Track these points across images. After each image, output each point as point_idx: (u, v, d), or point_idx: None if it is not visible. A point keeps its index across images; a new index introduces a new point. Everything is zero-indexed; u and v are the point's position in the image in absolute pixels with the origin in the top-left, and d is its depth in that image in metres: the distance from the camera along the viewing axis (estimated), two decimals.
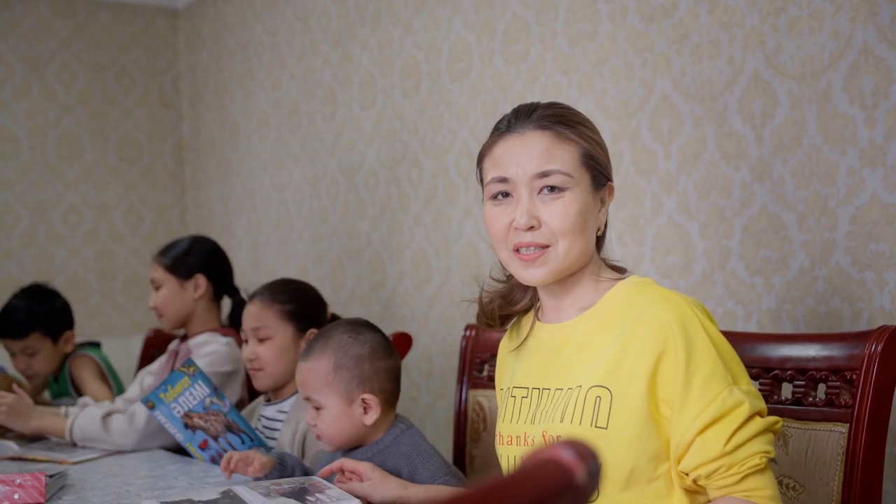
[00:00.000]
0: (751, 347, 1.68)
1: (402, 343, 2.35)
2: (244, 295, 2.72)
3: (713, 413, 1.30)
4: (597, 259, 1.51)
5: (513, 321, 1.64)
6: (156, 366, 2.77)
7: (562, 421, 1.39)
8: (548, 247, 1.42)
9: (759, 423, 1.32)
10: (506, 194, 1.45)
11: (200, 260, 2.70)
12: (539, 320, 1.56)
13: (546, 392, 1.46)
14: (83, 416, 2.37)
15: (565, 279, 1.48)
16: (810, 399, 1.59)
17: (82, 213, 4.93)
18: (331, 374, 1.77)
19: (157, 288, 2.66)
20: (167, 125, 5.20)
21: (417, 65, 3.56)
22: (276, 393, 2.27)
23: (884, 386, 1.50)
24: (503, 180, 1.45)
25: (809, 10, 2.31)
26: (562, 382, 1.44)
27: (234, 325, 2.73)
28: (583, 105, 2.69)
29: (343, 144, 3.97)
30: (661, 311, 1.36)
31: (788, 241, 2.36)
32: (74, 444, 2.37)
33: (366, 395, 1.78)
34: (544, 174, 1.41)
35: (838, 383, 1.55)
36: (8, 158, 4.75)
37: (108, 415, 2.34)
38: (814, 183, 2.31)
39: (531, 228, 1.42)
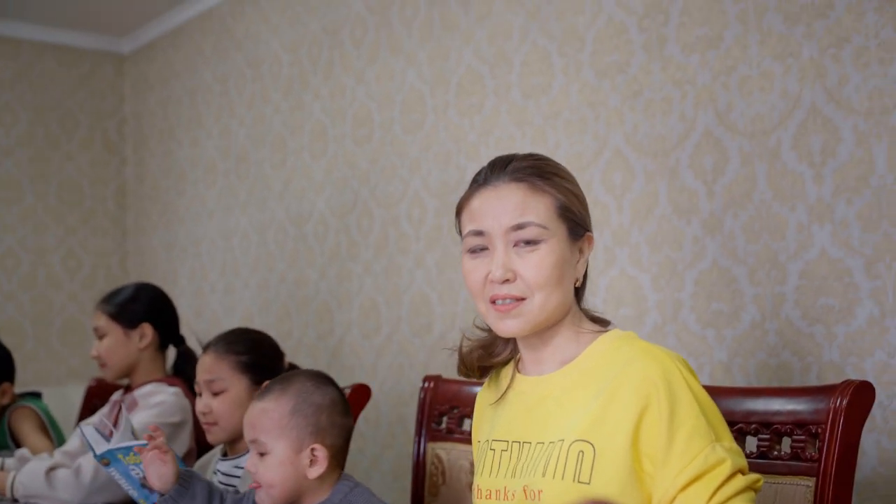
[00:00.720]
0: (714, 401, 1.66)
1: (361, 395, 2.30)
2: (190, 344, 2.69)
3: (696, 470, 1.28)
4: (576, 310, 1.48)
5: (491, 373, 1.60)
6: (96, 417, 2.66)
7: (544, 475, 1.35)
8: (524, 299, 1.39)
9: (740, 481, 1.30)
10: (483, 248, 1.43)
11: (146, 308, 2.60)
12: (519, 373, 1.52)
13: (527, 446, 1.42)
14: (25, 472, 2.28)
15: (544, 331, 1.45)
16: (775, 453, 1.58)
17: (20, 257, 4.82)
18: (286, 417, 1.70)
19: (101, 337, 2.56)
20: (110, 170, 5.12)
21: (370, 115, 3.54)
22: (231, 447, 2.18)
23: (849, 440, 1.50)
24: (479, 234, 1.43)
25: (759, 70, 2.34)
26: (543, 436, 1.40)
27: (178, 374, 2.65)
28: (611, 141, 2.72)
29: (293, 192, 3.93)
30: (644, 365, 1.34)
31: (739, 295, 2.38)
32: (15, 502, 2.27)
33: (316, 446, 1.70)
34: (519, 227, 1.39)
35: (804, 437, 1.54)
36: None
37: (51, 469, 2.25)
38: (764, 237, 2.33)
39: (506, 281, 1.39)
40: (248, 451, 2.05)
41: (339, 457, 1.77)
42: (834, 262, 2.20)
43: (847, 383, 1.52)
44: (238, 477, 2.09)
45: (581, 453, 1.33)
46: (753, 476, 1.33)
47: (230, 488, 2.04)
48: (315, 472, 1.70)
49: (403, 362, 3.35)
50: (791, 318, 2.27)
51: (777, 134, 2.31)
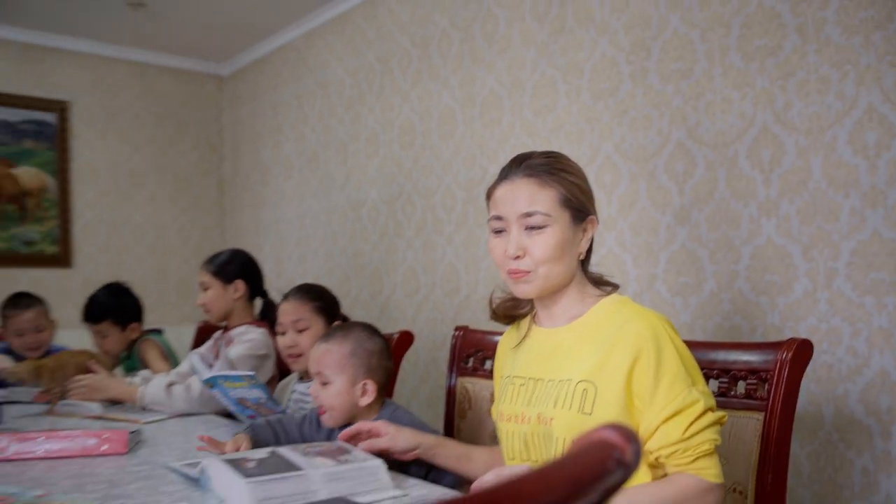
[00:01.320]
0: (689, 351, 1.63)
1: (405, 339, 2.26)
2: (272, 297, 2.66)
3: (675, 407, 1.26)
4: (580, 277, 1.44)
5: (515, 322, 1.56)
6: (203, 349, 2.64)
7: (554, 406, 1.33)
8: (530, 271, 1.37)
9: (710, 417, 1.28)
10: (502, 230, 1.40)
11: (240, 268, 2.57)
12: (536, 325, 1.50)
13: (540, 382, 1.39)
14: (150, 386, 2.27)
15: (553, 293, 1.42)
16: (732, 393, 1.55)
17: (145, 230, 4.83)
18: (346, 358, 1.68)
19: (205, 289, 2.54)
20: (212, 165, 5.10)
21: (413, 125, 3.50)
22: (307, 373, 2.11)
23: (791, 386, 1.46)
24: (499, 218, 1.40)
25: (722, 96, 2.29)
26: (553, 375, 1.37)
27: (264, 319, 2.62)
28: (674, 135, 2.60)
29: (351, 184, 3.90)
30: (638, 324, 1.31)
31: (702, 271, 2.33)
32: (143, 408, 2.27)
33: (367, 381, 1.68)
34: (528, 214, 1.36)
35: (755, 381, 1.50)
36: (91, 184, 4.64)
37: (170, 384, 2.24)
38: (723, 227, 2.29)
39: (518, 257, 1.36)
40: None
41: (382, 391, 1.74)
42: (777, 248, 2.15)
43: (791, 340, 1.48)
44: (310, 400, 2.05)
45: (585, 391, 1.31)
46: (720, 413, 1.31)
47: (305, 405, 2.03)
48: (365, 401, 1.68)
49: (436, 316, 3.33)
50: (742, 290, 2.23)
51: (735, 146, 2.26)
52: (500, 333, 2.06)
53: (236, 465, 1.30)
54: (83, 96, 4.61)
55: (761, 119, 2.20)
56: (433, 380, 3.35)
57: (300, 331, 2.09)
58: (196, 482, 1.37)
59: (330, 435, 1.70)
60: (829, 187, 2.05)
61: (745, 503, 1.46)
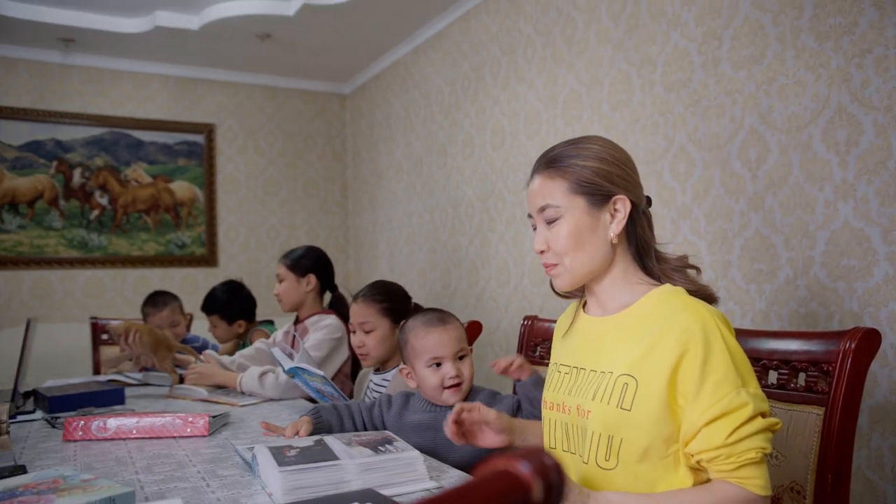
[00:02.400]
0: (744, 341, 1.40)
1: (474, 328, 2.12)
2: (341, 291, 2.57)
3: (720, 409, 1.06)
4: (625, 263, 1.23)
5: (574, 302, 1.36)
6: (279, 336, 2.57)
7: (593, 399, 1.17)
8: (556, 264, 1.22)
9: (759, 423, 1.06)
10: (534, 227, 1.26)
11: (312, 263, 2.48)
12: (585, 313, 1.31)
13: (582, 371, 1.23)
14: (247, 375, 2.23)
15: (592, 283, 1.24)
16: (792, 385, 1.31)
17: (279, 231, 4.90)
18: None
19: (280, 281, 2.46)
20: (337, 172, 5.13)
21: (503, 127, 3.35)
22: (383, 365, 2.05)
23: (855, 378, 1.22)
24: (530, 216, 1.27)
25: (795, 79, 2.01)
26: (596, 365, 1.20)
27: (332, 310, 2.52)
28: (747, 121, 2.26)
29: (451, 184, 3.79)
30: (687, 317, 1.11)
31: (776, 257, 2.06)
32: (242, 393, 2.25)
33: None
34: (542, 209, 1.21)
35: (816, 373, 1.27)
36: (232, 193, 4.76)
37: (263, 374, 2.20)
38: (797, 212, 2.01)
39: (542, 252, 1.23)
40: (392, 369, 1.97)
41: None
42: (854, 231, 1.86)
43: (855, 330, 1.23)
44: (384, 386, 1.97)
45: (626, 385, 1.13)
46: (772, 420, 1.08)
47: (378, 394, 1.94)
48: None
49: (526, 305, 3.16)
50: (818, 276, 1.94)
51: (809, 129, 1.97)
52: None
53: (278, 452, 1.22)
54: (226, 119, 4.75)
55: (836, 99, 1.91)
56: None
57: (367, 332, 1.98)
58: (248, 466, 1.31)
59: (402, 412, 1.59)
60: None
61: None
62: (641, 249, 1.22)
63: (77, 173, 4.35)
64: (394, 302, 2.01)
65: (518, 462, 0.40)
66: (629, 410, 1.11)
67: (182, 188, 4.62)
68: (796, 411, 1.28)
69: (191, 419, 1.64)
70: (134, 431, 1.63)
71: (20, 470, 1.31)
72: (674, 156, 2.41)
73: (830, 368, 1.24)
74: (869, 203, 1.83)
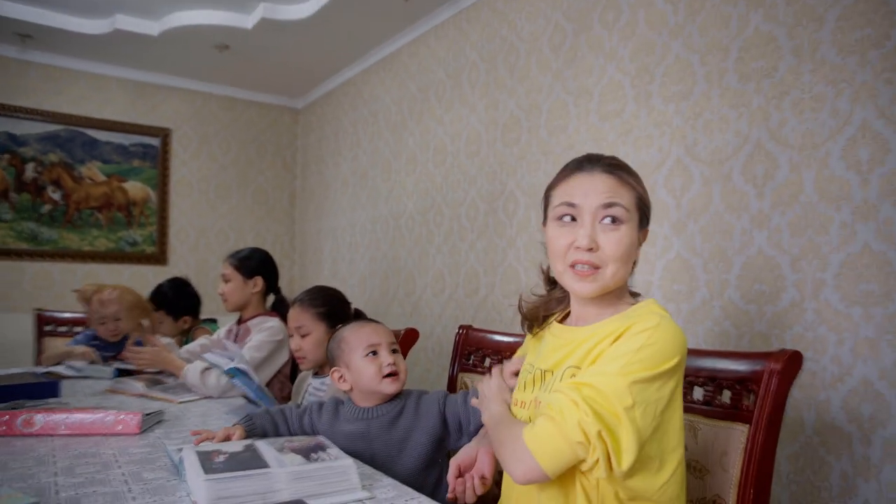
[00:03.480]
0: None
1: (411, 335, 1.96)
2: (284, 294, 2.39)
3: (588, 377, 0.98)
4: (624, 285, 1.13)
5: (543, 326, 1.24)
6: (214, 337, 2.41)
7: (549, 391, 1.05)
8: (599, 268, 1.07)
9: (592, 401, 0.95)
10: (572, 218, 1.08)
11: (259, 264, 2.30)
12: (558, 322, 1.19)
13: (547, 373, 1.11)
14: (191, 368, 2.04)
15: (602, 297, 1.11)
16: (717, 401, 1.23)
17: (228, 234, 4.65)
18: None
19: (226, 281, 2.27)
20: (286, 181, 4.91)
21: (445, 146, 3.23)
22: (321, 369, 1.87)
23: (779, 397, 1.14)
24: (571, 206, 1.08)
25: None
26: (556, 367, 1.10)
27: (275, 311, 2.34)
28: (673, 152, 2.09)
29: (393, 198, 3.63)
30: (642, 322, 1.00)
31: (695, 279, 2.00)
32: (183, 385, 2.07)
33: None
34: (609, 205, 1.06)
35: (741, 391, 1.19)
36: (184, 196, 4.50)
37: (205, 370, 2.01)
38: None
39: (590, 250, 1.06)
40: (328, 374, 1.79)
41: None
42: (768, 259, 1.81)
43: (782, 352, 1.15)
44: (323, 391, 1.80)
45: (573, 376, 1.03)
46: (584, 430, 0.94)
47: (315, 398, 1.77)
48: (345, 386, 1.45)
49: (458, 314, 3.03)
50: (732, 299, 1.89)
51: (730, 163, 1.92)
52: (502, 333, 1.79)
53: (206, 458, 1.06)
54: (182, 124, 4.48)
55: (755, 135, 1.87)
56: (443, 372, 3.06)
57: (303, 335, 1.82)
58: (176, 469, 1.15)
59: (332, 422, 1.42)
60: (821, 201, 1.70)
61: None
62: (631, 273, 1.14)
63: (30, 167, 4.02)
64: (330, 306, 1.85)
65: None
66: None
67: (135, 188, 4.32)
68: (720, 427, 1.20)
69: (122, 416, 1.46)
70: (63, 427, 1.43)
71: None
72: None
73: (755, 388, 1.16)
74: (781, 233, 1.78)
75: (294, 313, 1.83)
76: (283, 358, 2.15)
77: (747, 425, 1.16)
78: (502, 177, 2.83)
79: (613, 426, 0.93)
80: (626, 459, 0.92)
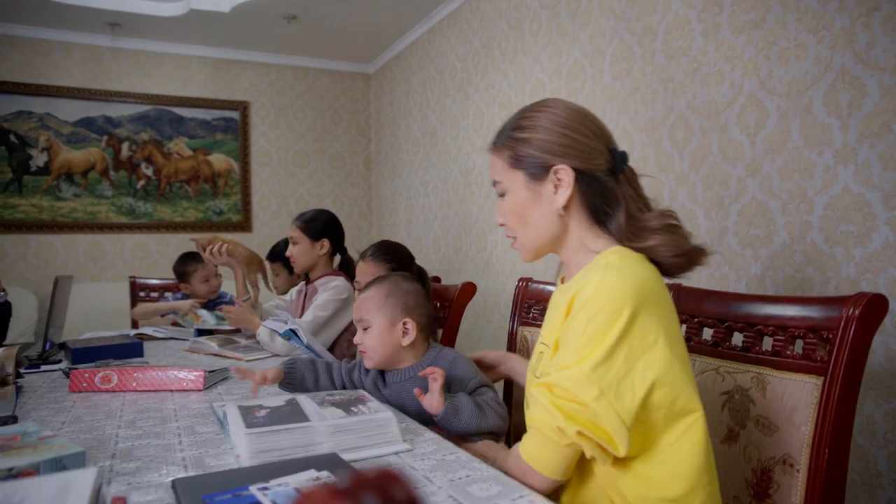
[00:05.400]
0: (739, 306, 1.20)
1: (468, 290, 1.89)
2: (351, 254, 2.36)
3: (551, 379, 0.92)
4: (580, 233, 1.02)
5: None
6: (288, 297, 2.44)
7: (533, 373, 1.04)
8: (515, 238, 1.06)
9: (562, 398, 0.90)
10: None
11: (324, 226, 2.25)
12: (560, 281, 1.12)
13: (538, 345, 1.07)
14: (265, 327, 2.03)
15: (559, 254, 1.06)
16: (788, 352, 1.11)
17: (307, 200, 4.70)
18: (382, 300, 1.35)
19: (294, 244, 2.23)
20: (361, 146, 4.92)
21: (510, 99, 3.11)
22: None
23: (859, 346, 1.00)
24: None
25: (796, 42, 1.75)
26: (542, 338, 1.06)
27: (341, 271, 2.31)
28: (746, 87, 1.88)
29: (462, 155, 3.56)
30: (583, 290, 0.92)
31: (773, 223, 1.83)
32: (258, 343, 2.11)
33: (407, 321, 1.33)
34: (494, 183, 1.06)
35: (815, 341, 1.06)
36: (265, 165, 4.59)
37: (273, 332, 2.02)
38: (795, 178, 1.76)
39: (503, 225, 1.07)
40: None
41: (426, 332, 1.38)
42: (854, 196, 1.62)
43: (860, 295, 1.01)
44: None
45: (541, 353, 1.02)
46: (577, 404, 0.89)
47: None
48: (407, 340, 1.33)
49: (528, 268, 2.93)
50: (815, 242, 1.71)
51: (809, 94, 1.72)
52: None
53: (247, 412, 1.05)
54: (259, 96, 4.56)
55: (839, 61, 1.65)
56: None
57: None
58: (223, 425, 1.15)
59: (376, 380, 1.38)
60: None
61: (796, 479, 1.03)
62: (598, 216, 1.01)
63: (125, 147, 4.22)
64: (400, 262, 1.79)
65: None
66: (538, 378, 0.98)
67: (219, 160, 4.46)
68: (791, 380, 1.07)
69: (187, 373, 1.49)
70: (134, 384, 1.48)
71: (11, 420, 1.19)
72: (672, 123, 2.17)
73: (831, 336, 1.03)
74: (871, 168, 1.58)
75: (365, 267, 1.79)
76: (347, 317, 2.15)
77: (822, 378, 1.03)
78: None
79: (592, 419, 0.87)
80: (621, 445, 0.87)
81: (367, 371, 1.40)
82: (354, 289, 1.91)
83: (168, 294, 3.08)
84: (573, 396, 0.88)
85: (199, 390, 1.47)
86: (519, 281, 1.79)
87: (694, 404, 0.92)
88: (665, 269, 0.99)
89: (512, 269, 3.08)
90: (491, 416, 1.21)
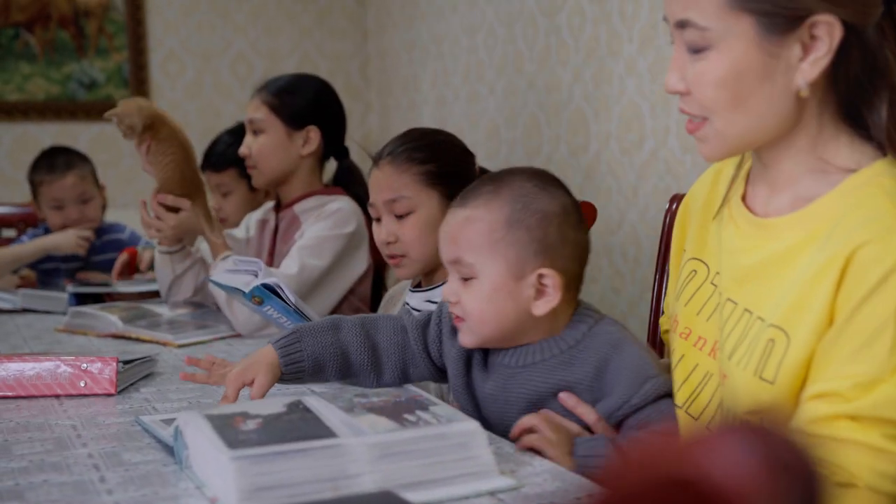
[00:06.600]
0: None
1: (587, 212, 1.92)
2: (353, 158, 2.55)
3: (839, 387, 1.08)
4: (818, 130, 1.21)
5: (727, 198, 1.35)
6: (242, 232, 2.63)
7: (730, 358, 1.19)
8: (706, 119, 1.22)
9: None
10: None
11: (313, 106, 2.35)
12: (743, 203, 1.28)
13: (730, 303, 1.23)
14: (223, 265, 2.17)
15: (763, 152, 1.26)
16: None
17: (252, 63, 4.72)
18: (501, 229, 1.36)
19: (257, 132, 2.33)
20: None
21: None
22: (426, 278, 1.93)
23: None
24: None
25: None
26: (742, 298, 1.22)
27: (338, 187, 2.51)
28: None
29: None
30: (878, 229, 1.13)
31: None
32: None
33: (544, 271, 1.34)
34: (680, 24, 1.20)
35: None
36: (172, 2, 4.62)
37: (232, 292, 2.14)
38: None
39: (682, 94, 1.22)
40: (443, 282, 1.80)
41: (573, 287, 1.41)
42: None
43: None
44: None
45: (772, 343, 1.14)
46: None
47: None
48: (543, 306, 1.35)
49: (671, 184, 2.88)
50: None
51: None
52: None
53: (225, 424, 1.12)
54: None
55: None
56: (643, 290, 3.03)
57: (399, 216, 1.84)
58: (171, 450, 1.26)
59: (472, 359, 1.47)
60: None
61: None
62: (852, 104, 1.18)
63: None
64: (445, 163, 1.86)
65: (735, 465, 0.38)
66: (772, 384, 1.14)
67: None
68: None
69: (86, 367, 1.63)
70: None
71: None
72: None
73: None
74: None
75: (383, 177, 1.86)
76: (358, 265, 2.30)
77: None
78: None
79: None
80: None
81: (453, 342, 1.47)
82: (368, 220, 2.05)
83: (29, 231, 3.28)
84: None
85: (110, 395, 1.61)
86: (671, 201, 1.88)
87: None
88: None
89: (637, 183, 3.06)
90: None
